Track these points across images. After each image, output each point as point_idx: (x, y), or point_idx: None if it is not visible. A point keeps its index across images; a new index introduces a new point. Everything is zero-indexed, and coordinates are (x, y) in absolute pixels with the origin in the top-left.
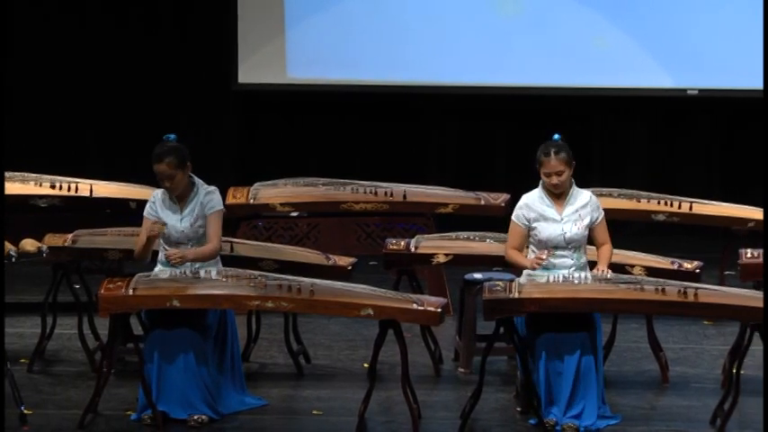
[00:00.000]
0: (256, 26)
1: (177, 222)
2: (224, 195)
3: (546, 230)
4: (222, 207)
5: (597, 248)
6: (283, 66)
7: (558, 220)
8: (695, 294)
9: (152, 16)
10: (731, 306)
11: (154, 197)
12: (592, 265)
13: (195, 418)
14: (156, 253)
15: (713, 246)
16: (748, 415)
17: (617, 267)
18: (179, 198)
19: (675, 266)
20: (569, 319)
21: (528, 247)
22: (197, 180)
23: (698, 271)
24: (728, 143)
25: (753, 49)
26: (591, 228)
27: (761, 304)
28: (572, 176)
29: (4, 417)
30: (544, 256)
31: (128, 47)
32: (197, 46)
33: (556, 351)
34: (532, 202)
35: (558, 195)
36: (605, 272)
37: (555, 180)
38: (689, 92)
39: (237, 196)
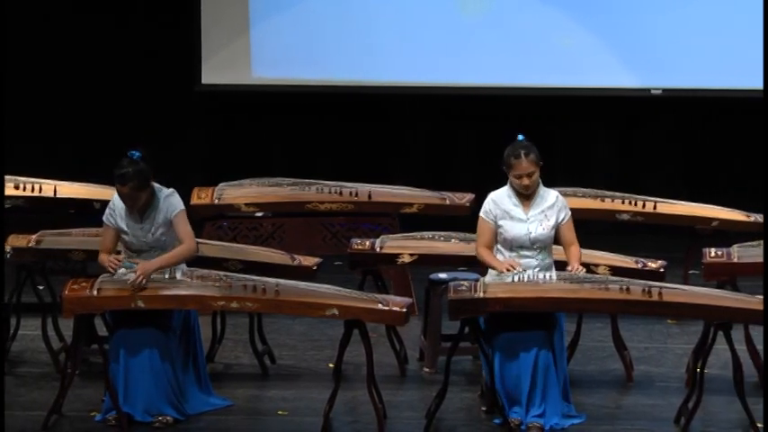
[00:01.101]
0: (220, 25)
1: (138, 231)
2: (188, 196)
3: (512, 230)
4: (183, 207)
5: (565, 249)
6: (248, 65)
7: (524, 220)
8: (659, 293)
9: (115, 16)
10: (695, 305)
11: (113, 204)
12: (558, 265)
13: (160, 418)
14: (119, 253)
15: (677, 245)
16: (712, 413)
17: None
18: (140, 209)
19: (640, 266)
20: (526, 318)
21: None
22: (155, 187)
23: (662, 270)
24: (692, 143)
25: (716, 49)
26: (557, 228)
27: (724, 303)
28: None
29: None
30: (518, 267)
31: (91, 47)
32: (160, 46)
33: (512, 350)
34: (500, 199)
35: (525, 195)
36: (581, 269)
37: (526, 181)
38: (653, 91)
39: (202, 197)
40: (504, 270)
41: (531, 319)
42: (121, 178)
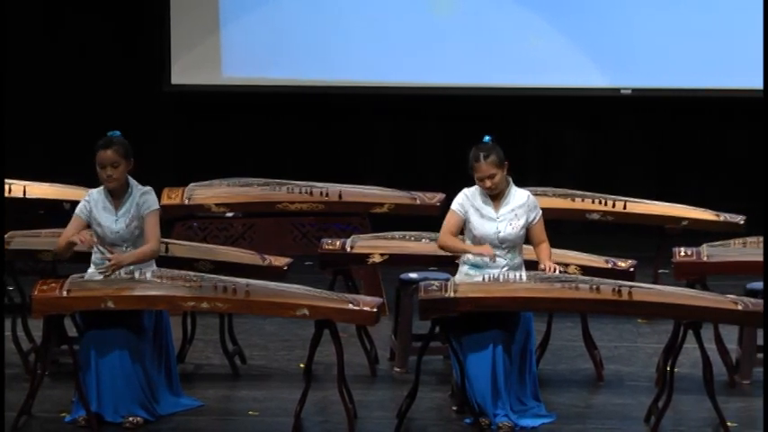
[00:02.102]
0: (189, 26)
1: (112, 223)
2: (159, 196)
3: (481, 227)
4: (158, 207)
5: (535, 247)
6: (218, 66)
7: (494, 219)
8: (629, 293)
9: (83, 15)
10: (665, 304)
11: (89, 196)
12: (529, 265)
13: (130, 419)
14: (89, 254)
15: (647, 244)
16: (682, 412)
17: None
18: (114, 198)
19: (610, 265)
20: (490, 317)
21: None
22: (132, 181)
23: (632, 270)
24: (662, 142)
25: (686, 49)
26: (528, 227)
27: (694, 302)
28: (508, 175)
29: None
30: (492, 255)
31: (61, 47)
32: (129, 47)
33: (473, 350)
34: (472, 195)
35: (495, 195)
36: (554, 267)
37: (488, 183)
38: (622, 91)
39: (172, 197)
40: (479, 254)
41: (491, 318)
42: (105, 143)
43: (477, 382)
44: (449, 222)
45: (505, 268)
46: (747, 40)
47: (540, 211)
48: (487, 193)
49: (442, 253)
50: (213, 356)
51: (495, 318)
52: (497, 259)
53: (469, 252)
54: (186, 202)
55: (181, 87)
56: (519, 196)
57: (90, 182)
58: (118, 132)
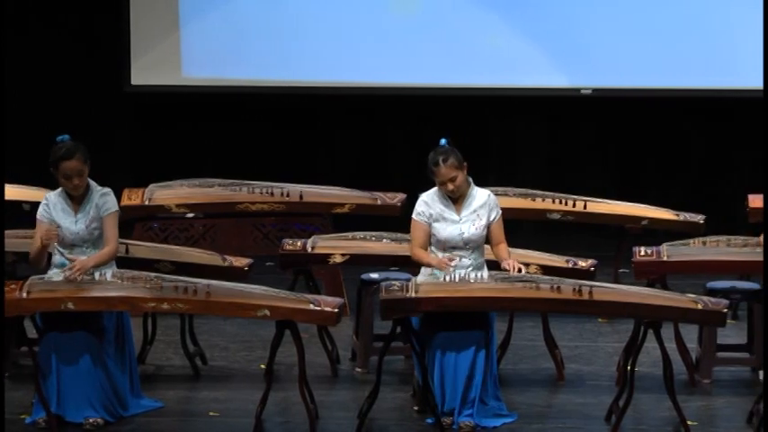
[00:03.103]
0: (149, 26)
1: (72, 225)
2: (119, 197)
3: (444, 231)
4: (117, 209)
5: (492, 247)
6: (178, 66)
7: (457, 221)
8: (590, 292)
9: (43, 15)
10: (626, 304)
11: (47, 199)
12: (489, 265)
13: (91, 421)
14: (49, 255)
15: (607, 244)
16: (643, 411)
17: None
18: (73, 200)
19: (570, 265)
20: (465, 318)
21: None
22: (91, 182)
23: (592, 269)
24: (622, 142)
25: (646, 48)
26: (488, 226)
27: (655, 302)
28: (468, 176)
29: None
30: (453, 263)
31: (19, 47)
32: (88, 47)
33: (450, 349)
34: (431, 200)
35: (457, 196)
36: (517, 266)
37: (450, 186)
38: (582, 91)
39: (132, 198)
40: (443, 266)
41: (469, 319)
42: (68, 152)
43: (440, 382)
44: (415, 234)
45: (470, 268)
46: (706, 39)
47: (500, 211)
48: (449, 196)
49: (403, 253)
50: (174, 357)
51: (474, 318)
52: (463, 260)
53: (434, 266)
54: (147, 202)
55: (141, 88)
56: (480, 196)
57: (49, 183)
58: (67, 136)
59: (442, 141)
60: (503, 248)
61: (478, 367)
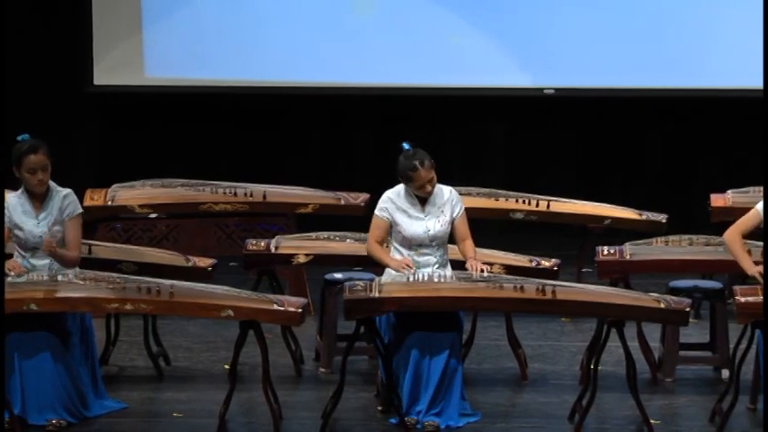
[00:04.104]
0: (112, 26)
1: (35, 227)
2: (81, 197)
3: (410, 228)
4: (81, 211)
5: (458, 243)
6: (141, 66)
7: (422, 218)
8: (553, 292)
9: (2, 15)
10: (589, 303)
11: (6, 203)
12: (455, 264)
13: (54, 422)
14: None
15: (571, 243)
16: (606, 410)
17: None
18: (35, 201)
19: (533, 264)
20: (439, 318)
21: (390, 245)
22: (51, 183)
23: (555, 269)
24: (585, 142)
25: (608, 48)
26: (452, 222)
27: (618, 301)
28: None
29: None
30: (412, 269)
31: None
32: (50, 47)
33: (425, 349)
34: (396, 197)
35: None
36: (479, 267)
37: (429, 188)
38: (545, 91)
39: (95, 198)
40: (401, 269)
41: (442, 319)
42: (32, 147)
43: (404, 382)
44: (373, 229)
45: (436, 265)
46: (669, 39)
47: (463, 206)
48: (424, 197)
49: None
50: (137, 358)
51: (447, 319)
52: (429, 258)
53: (390, 266)
54: (109, 203)
55: (103, 88)
56: (442, 193)
57: (12, 183)
58: (27, 135)
59: (405, 146)
60: (468, 246)
61: (450, 369)
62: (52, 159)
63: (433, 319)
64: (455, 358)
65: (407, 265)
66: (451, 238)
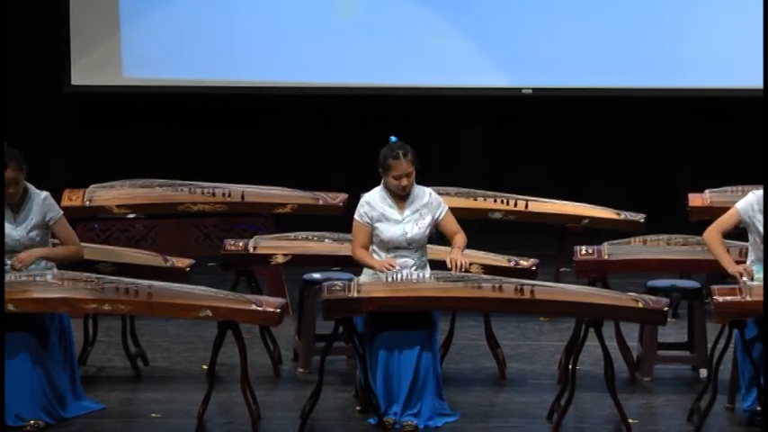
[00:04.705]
0: (89, 26)
1: (12, 231)
2: (59, 198)
3: (387, 231)
4: (62, 212)
5: (450, 239)
6: (118, 66)
7: (400, 221)
8: (532, 291)
9: None
10: (567, 303)
11: None
12: (433, 264)
13: (32, 423)
14: None
15: (549, 243)
16: (584, 410)
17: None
18: (11, 205)
19: (512, 264)
20: (408, 317)
21: (369, 247)
22: (29, 186)
23: (534, 268)
24: (563, 142)
25: (585, 48)
26: (438, 223)
27: (596, 300)
28: None
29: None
30: (396, 267)
31: None
32: (27, 47)
33: (395, 349)
34: (374, 201)
35: (400, 196)
36: (458, 262)
37: (405, 182)
38: (523, 91)
39: (73, 198)
40: (385, 269)
41: (413, 318)
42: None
43: (382, 382)
44: (356, 235)
45: (413, 267)
46: (645, 39)
47: (446, 206)
48: (398, 194)
49: (345, 253)
50: (115, 359)
51: (418, 318)
52: (407, 260)
53: (374, 268)
54: (87, 203)
55: (81, 88)
56: (422, 195)
57: None
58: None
59: (393, 138)
60: (458, 238)
61: (423, 367)
62: (25, 168)
63: (403, 318)
64: (427, 357)
65: (390, 266)
66: (444, 238)
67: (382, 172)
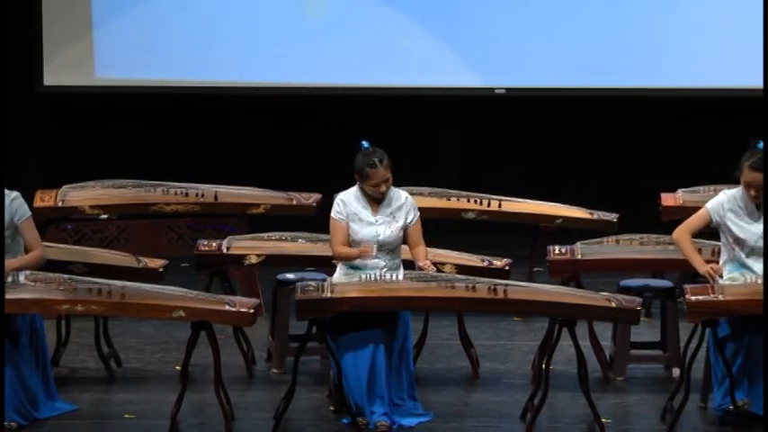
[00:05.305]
0: (62, 26)
1: None
2: (31, 198)
3: (360, 232)
4: (30, 213)
5: (411, 249)
6: (91, 66)
7: (373, 222)
8: (505, 291)
9: None
10: (540, 302)
11: None
12: (407, 264)
13: (4, 424)
14: None
15: (522, 243)
16: (557, 409)
17: None
18: None
19: (485, 264)
20: (366, 318)
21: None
22: None
23: (507, 268)
24: (536, 142)
25: (557, 48)
26: (405, 228)
27: (569, 300)
28: None
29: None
30: (373, 251)
31: None
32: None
33: (352, 349)
34: (349, 200)
35: (376, 198)
36: (430, 266)
37: (383, 188)
38: (497, 91)
39: (45, 199)
40: (366, 252)
41: (370, 318)
42: None
43: (356, 382)
44: (334, 233)
45: (384, 269)
46: (618, 39)
47: (418, 213)
48: (368, 195)
49: (319, 253)
50: (88, 360)
51: (376, 317)
52: (377, 261)
53: (356, 257)
54: (60, 204)
55: (53, 89)
56: (397, 198)
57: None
58: None
59: (365, 144)
60: (420, 251)
61: (380, 366)
62: None
63: (363, 319)
64: (382, 355)
65: (367, 249)
66: (405, 242)
67: (359, 180)
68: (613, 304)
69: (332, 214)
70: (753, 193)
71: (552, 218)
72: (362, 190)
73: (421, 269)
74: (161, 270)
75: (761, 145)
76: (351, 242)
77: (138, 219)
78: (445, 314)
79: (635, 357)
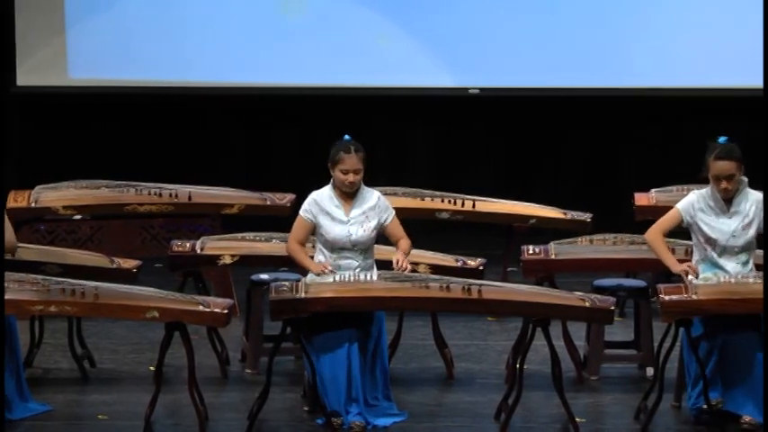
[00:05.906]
0: (35, 27)
1: None
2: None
3: (332, 231)
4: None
5: (395, 245)
6: (64, 67)
7: (345, 222)
8: (479, 291)
9: None
10: (514, 302)
11: None
12: (380, 264)
13: None
14: None
15: (496, 243)
16: (532, 409)
17: None
18: None
19: (459, 264)
20: (339, 318)
21: (315, 246)
22: None
23: (481, 268)
24: (510, 142)
25: (532, 48)
26: (384, 228)
27: (543, 300)
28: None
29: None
30: (328, 270)
31: None
32: None
33: (326, 350)
34: (321, 199)
35: (347, 195)
36: (405, 265)
37: (352, 178)
38: (470, 91)
39: (18, 200)
40: (317, 273)
41: (344, 318)
42: None
43: (331, 382)
44: (296, 228)
45: (358, 269)
46: (592, 38)
47: (393, 211)
48: (345, 191)
49: None
50: (62, 360)
51: (349, 317)
52: (351, 261)
53: (309, 269)
54: (33, 204)
55: (26, 89)
56: (370, 198)
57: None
58: None
59: (347, 137)
60: (402, 243)
61: (354, 366)
62: None
63: (337, 319)
64: (356, 354)
65: (327, 270)
66: (389, 240)
67: (331, 166)
68: (587, 304)
69: (300, 210)
70: (723, 185)
71: (526, 218)
72: (336, 189)
73: (398, 266)
74: (134, 270)
75: (722, 139)
76: (323, 241)
77: (111, 219)
78: (419, 314)
79: (609, 357)
